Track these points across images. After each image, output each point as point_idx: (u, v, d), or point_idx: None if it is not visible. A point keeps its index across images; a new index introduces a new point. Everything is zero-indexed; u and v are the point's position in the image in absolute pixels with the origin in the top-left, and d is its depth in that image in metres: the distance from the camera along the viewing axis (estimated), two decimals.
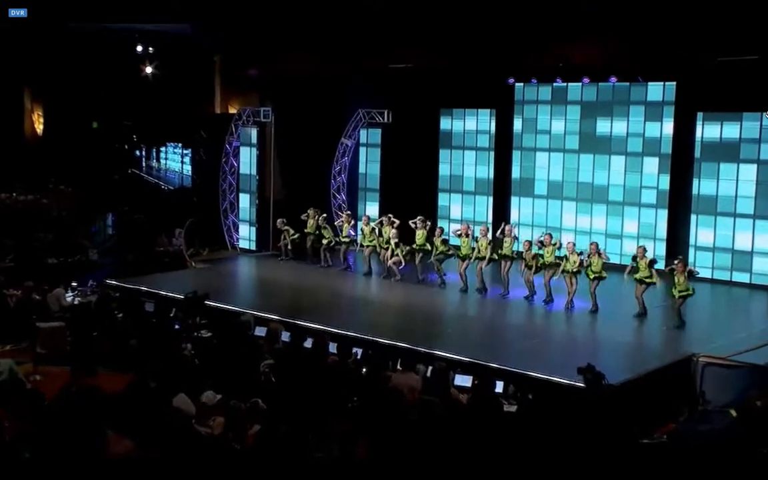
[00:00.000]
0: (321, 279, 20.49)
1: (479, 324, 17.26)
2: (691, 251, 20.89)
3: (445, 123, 24.98)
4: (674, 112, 21.13)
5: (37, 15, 23.43)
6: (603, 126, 22.29)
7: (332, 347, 12.24)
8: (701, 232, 21.06)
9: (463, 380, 12.18)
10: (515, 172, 23.95)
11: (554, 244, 18.11)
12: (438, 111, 24.90)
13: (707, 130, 20.78)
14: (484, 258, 18.59)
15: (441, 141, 25.08)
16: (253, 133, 24.07)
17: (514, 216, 23.62)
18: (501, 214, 23.84)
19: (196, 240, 24.14)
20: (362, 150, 25.41)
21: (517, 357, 13.98)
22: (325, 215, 22.13)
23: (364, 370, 11.59)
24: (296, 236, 22.07)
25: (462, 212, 24.71)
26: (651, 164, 21.67)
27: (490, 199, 24.40)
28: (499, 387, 12.01)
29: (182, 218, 24.34)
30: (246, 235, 24.54)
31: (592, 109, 22.42)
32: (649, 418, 11.31)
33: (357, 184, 25.50)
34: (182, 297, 14.86)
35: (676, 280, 16.48)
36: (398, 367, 11.85)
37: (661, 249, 21.14)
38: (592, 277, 17.41)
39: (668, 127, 21.33)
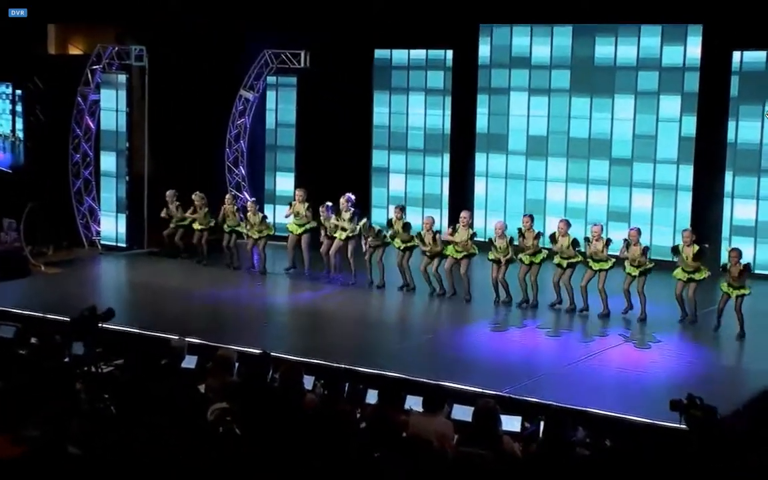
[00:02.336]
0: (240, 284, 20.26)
1: (496, 343, 16.93)
2: (725, 228, 21.00)
3: (382, 54, 24.63)
4: (702, 31, 21.04)
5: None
6: (604, 51, 22.18)
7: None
8: (738, 204, 21.04)
9: (507, 423, 11.33)
10: (481, 123, 23.72)
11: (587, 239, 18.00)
12: (372, 51, 24.70)
13: (747, 56, 20.76)
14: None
15: (376, 80, 24.76)
16: (121, 80, 22.90)
17: (479, 187, 23.59)
18: (461, 181, 23.80)
19: (37, 234, 23.07)
20: (270, 96, 24.55)
21: (562, 387, 13.71)
22: (229, 195, 21.80)
23: (358, 413, 10.92)
24: (185, 222, 21.66)
25: (406, 181, 24.50)
26: (671, 104, 21.52)
27: (446, 158, 24.17)
28: None
29: (15, 204, 23.02)
30: (111, 226, 23.43)
31: (590, 30, 22.26)
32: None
33: (263, 152, 24.77)
34: (68, 318, 13.73)
35: (730, 276, 16.56)
36: (408, 406, 11.31)
37: (684, 222, 20.75)
38: (636, 273, 17.29)
39: (694, 51, 21.22)
